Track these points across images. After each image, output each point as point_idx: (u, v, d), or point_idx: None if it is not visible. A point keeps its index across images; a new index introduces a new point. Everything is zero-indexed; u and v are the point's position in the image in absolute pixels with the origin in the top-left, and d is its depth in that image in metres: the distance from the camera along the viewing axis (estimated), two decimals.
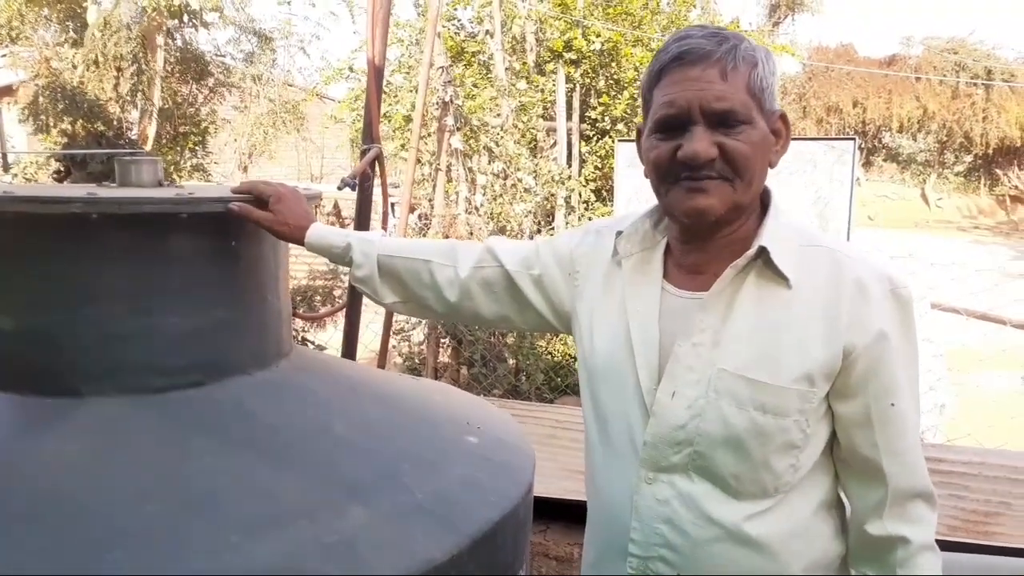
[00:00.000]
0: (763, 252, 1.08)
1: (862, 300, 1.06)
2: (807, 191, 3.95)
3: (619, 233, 1.22)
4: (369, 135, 2.37)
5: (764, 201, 1.16)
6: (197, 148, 9.95)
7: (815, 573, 1.13)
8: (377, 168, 2.39)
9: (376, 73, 2.34)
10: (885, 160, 23.99)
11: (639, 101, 1.17)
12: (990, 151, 21.73)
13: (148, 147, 8.59)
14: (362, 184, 2.37)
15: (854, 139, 4.10)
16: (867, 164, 23.28)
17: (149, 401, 1.31)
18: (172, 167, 8.76)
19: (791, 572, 1.11)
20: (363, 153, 2.35)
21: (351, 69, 8.27)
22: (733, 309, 1.09)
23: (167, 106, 9.22)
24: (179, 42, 9.34)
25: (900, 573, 1.11)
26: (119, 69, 7.38)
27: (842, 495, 1.18)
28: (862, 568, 1.16)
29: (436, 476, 1.37)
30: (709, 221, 1.09)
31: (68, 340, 1.29)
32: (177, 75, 9.48)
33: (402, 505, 1.27)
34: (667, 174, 1.09)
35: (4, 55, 8.22)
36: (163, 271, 1.32)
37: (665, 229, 1.21)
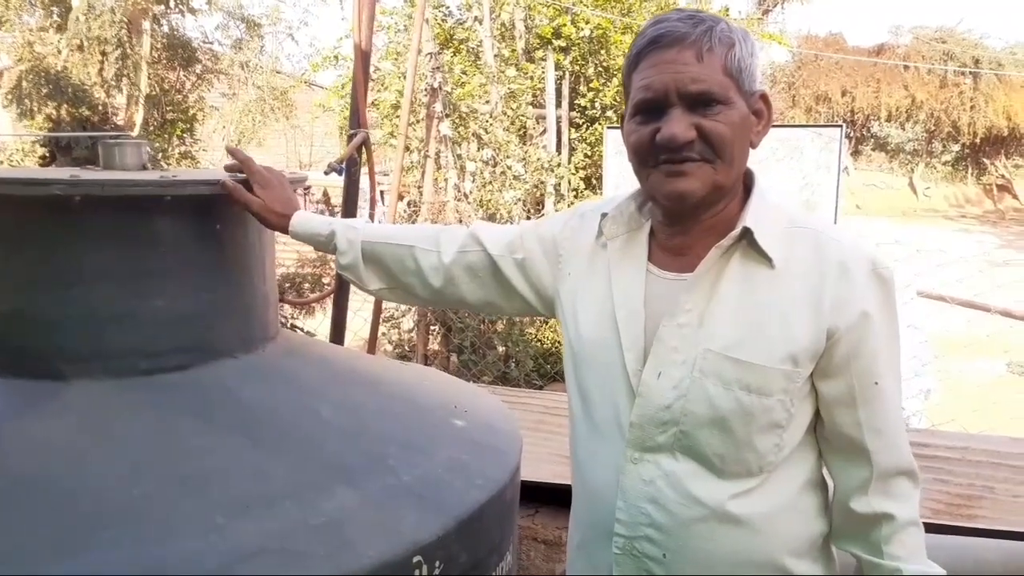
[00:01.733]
0: (747, 233, 1.08)
1: (845, 281, 1.07)
2: (793, 178, 3.96)
3: (604, 215, 1.22)
4: (356, 120, 2.36)
5: (747, 183, 1.16)
6: (185, 135, 9.88)
7: (799, 551, 1.14)
8: (364, 153, 2.39)
9: (363, 58, 2.33)
10: (873, 149, 24.07)
11: None
12: (977, 140, 21.81)
13: (135, 134, 8.52)
14: (349, 169, 2.36)
15: (841, 126, 4.11)
16: (855, 153, 23.33)
17: (134, 384, 1.31)
18: (160, 154, 8.69)
19: (775, 550, 1.12)
20: (350, 138, 2.34)
21: (337, 58, 8.22)
22: (718, 290, 1.09)
23: (154, 93, 9.14)
24: (165, 28, 9.25)
25: (886, 548, 1.11)
26: (103, 53, 7.29)
27: (825, 474, 1.19)
28: (846, 545, 1.17)
29: (422, 459, 1.37)
30: (691, 204, 1.09)
31: (53, 323, 1.28)
32: (164, 61, 9.40)
33: (389, 487, 1.27)
34: (647, 158, 1.09)
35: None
36: (147, 254, 1.32)
37: (649, 211, 1.20)
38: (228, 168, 1.43)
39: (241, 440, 1.29)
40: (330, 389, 1.52)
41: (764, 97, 1.12)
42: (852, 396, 1.09)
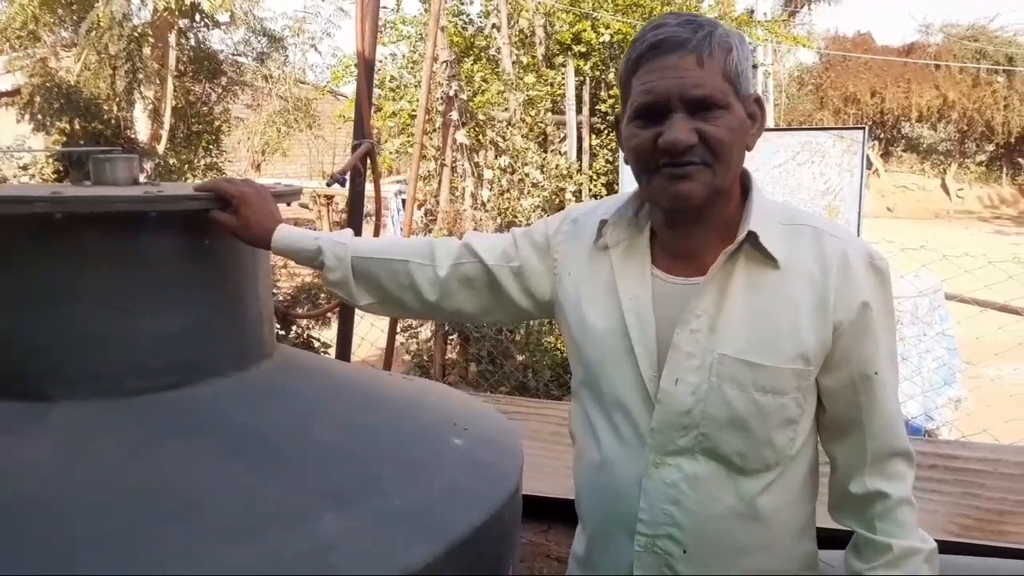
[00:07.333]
0: (751, 236, 1.10)
1: (846, 275, 1.11)
2: (816, 182, 3.87)
3: (603, 221, 1.22)
4: (360, 130, 2.33)
5: (745, 184, 1.18)
6: (211, 147, 9.96)
7: (799, 532, 1.20)
8: (369, 164, 2.35)
9: (366, 67, 2.30)
10: (904, 150, 23.69)
11: None
12: (1012, 140, 21.37)
13: (161, 147, 8.61)
14: (353, 180, 2.34)
15: (863, 128, 4.02)
16: (886, 154, 22.99)
17: (123, 404, 1.29)
18: (186, 166, 8.76)
19: (782, 535, 1.18)
20: (354, 148, 2.31)
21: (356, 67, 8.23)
22: (727, 294, 1.12)
23: (180, 105, 9.22)
24: (192, 41, 9.34)
25: (879, 524, 1.16)
26: (114, 68, 7.33)
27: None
28: (843, 519, 1.22)
29: (417, 481, 1.33)
30: (692, 206, 1.10)
31: (37, 343, 1.26)
32: (190, 74, 9.49)
33: (380, 512, 1.23)
34: (648, 162, 1.10)
35: (14, 58, 8.23)
36: (134, 271, 1.30)
37: (648, 215, 1.21)
38: (198, 189, 1.38)
39: (231, 462, 1.26)
40: (326, 407, 1.49)
41: (758, 100, 1.15)
42: (853, 385, 1.13)
